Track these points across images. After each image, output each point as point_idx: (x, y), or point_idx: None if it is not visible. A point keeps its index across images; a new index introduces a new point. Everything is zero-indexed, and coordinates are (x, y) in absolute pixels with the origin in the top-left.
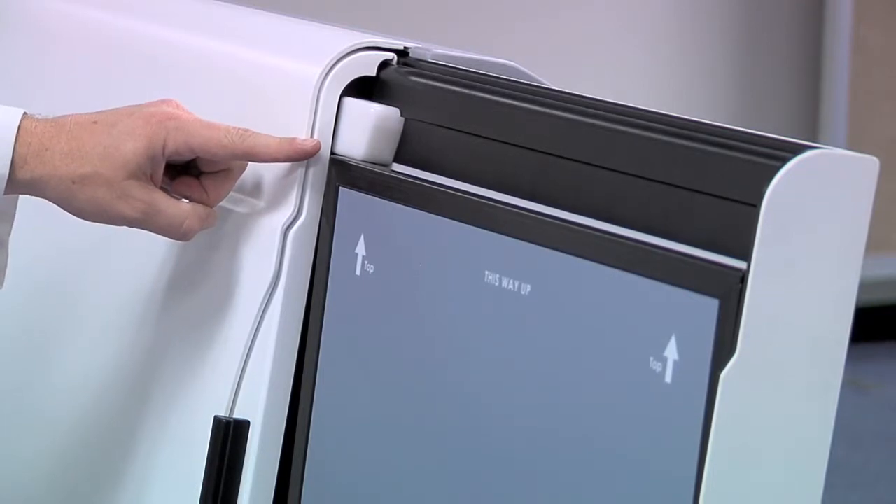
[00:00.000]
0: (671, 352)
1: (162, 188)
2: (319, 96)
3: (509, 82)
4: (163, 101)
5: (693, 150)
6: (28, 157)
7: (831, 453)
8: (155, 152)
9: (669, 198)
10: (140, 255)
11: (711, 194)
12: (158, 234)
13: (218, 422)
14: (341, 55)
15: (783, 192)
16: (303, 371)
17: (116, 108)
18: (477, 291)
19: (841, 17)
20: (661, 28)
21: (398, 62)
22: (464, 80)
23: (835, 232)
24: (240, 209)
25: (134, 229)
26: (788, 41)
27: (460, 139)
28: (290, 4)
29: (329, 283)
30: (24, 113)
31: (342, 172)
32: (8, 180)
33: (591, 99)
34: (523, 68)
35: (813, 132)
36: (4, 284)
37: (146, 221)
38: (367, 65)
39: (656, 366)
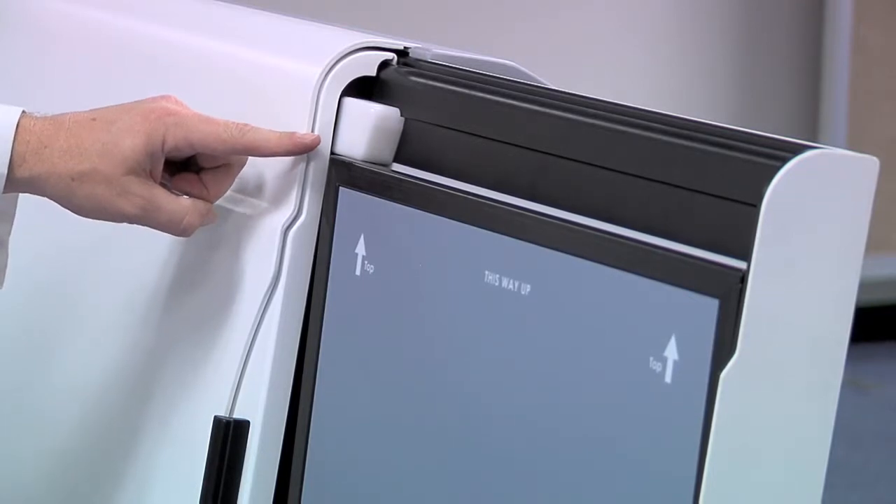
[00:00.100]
0: (671, 352)
1: (162, 185)
2: (319, 96)
3: (509, 82)
4: (161, 97)
5: (693, 150)
6: (27, 156)
7: (831, 453)
8: (154, 148)
9: (669, 198)
10: (140, 255)
11: (711, 194)
12: (158, 230)
13: (218, 422)
14: (341, 55)
15: (783, 192)
16: (303, 371)
17: (115, 105)
18: (477, 291)
19: (841, 17)
20: (661, 28)
21: (398, 62)
22: (464, 80)
23: (835, 232)
24: (240, 209)
25: (134, 229)
26: (788, 41)
27: (460, 139)
28: (290, 4)
29: (329, 283)
30: (23, 111)
31: (342, 172)
32: (7, 179)
33: (591, 99)
34: (523, 68)
35: (813, 132)
36: (4, 284)
37: (146, 218)
38: (367, 65)
39: (656, 366)
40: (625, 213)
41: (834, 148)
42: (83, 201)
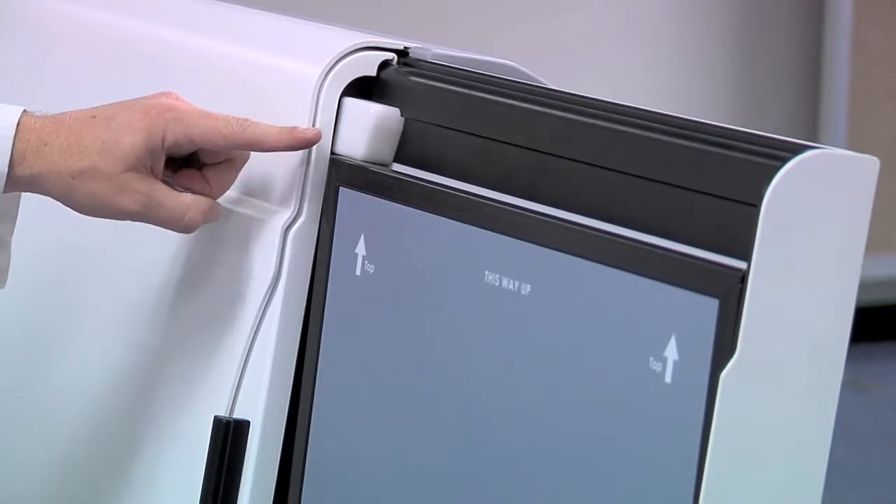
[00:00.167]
0: (671, 352)
1: (165, 181)
2: (319, 96)
3: (509, 82)
4: (162, 94)
5: (693, 150)
6: (27, 154)
7: (831, 453)
8: (154, 144)
9: (669, 198)
10: (140, 255)
11: (711, 194)
12: (161, 226)
13: (218, 422)
14: (341, 55)
15: (783, 192)
16: (303, 371)
17: (115, 102)
18: (477, 291)
19: (841, 17)
20: (661, 28)
21: (398, 62)
22: (464, 80)
23: (835, 232)
24: (240, 209)
25: (133, 229)
26: (788, 41)
27: (460, 139)
28: (290, 4)
29: (329, 283)
30: (24, 110)
31: (342, 172)
32: (7, 177)
33: (591, 99)
34: (523, 68)
35: (813, 132)
36: (6, 284)
37: (147, 214)
38: (367, 65)
39: (656, 366)
40: (625, 213)
41: (834, 148)
42: (84, 199)
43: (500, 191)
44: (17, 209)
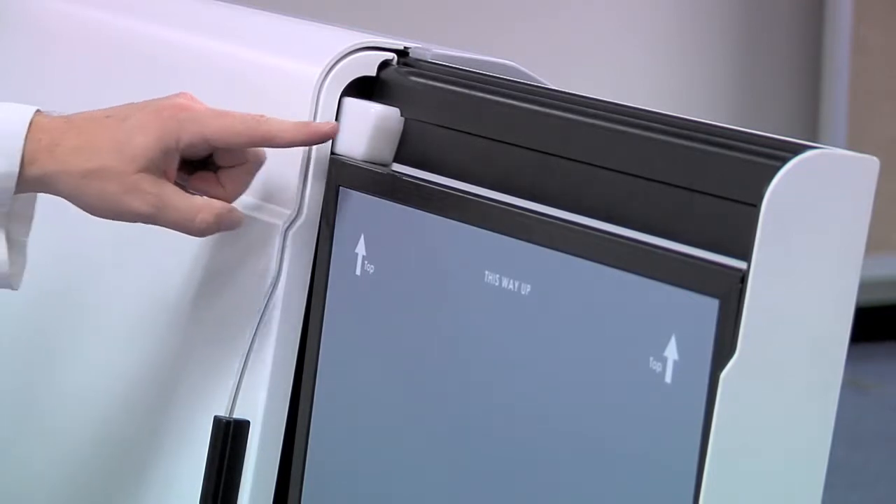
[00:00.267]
0: (671, 352)
1: (179, 184)
2: (319, 96)
3: (509, 82)
4: (176, 95)
5: (693, 150)
6: (38, 154)
7: (831, 453)
8: (167, 145)
9: (669, 198)
10: (140, 256)
11: (711, 194)
12: (172, 229)
13: (218, 422)
14: (341, 55)
15: (783, 192)
16: (303, 371)
17: (129, 104)
18: (477, 291)
19: (841, 17)
20: (661, 28)
21: (398, 62)
22: (464, 80)
23: (835, 232)
24: (240, 209)
25: (134, 232)
26: (788, 41)
27: (460, 139)
28: (290, 4)
29: (329, 283)
30: (37, 110)
31: (342, 172)
32: (18, 177)
33: (591, 99)
34: (523, 68)
35: (813, 132)
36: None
37: (157, 216)
38: (367, 65)
39: (656, 366)
40: (625, 213)
41: (834, 148)
42: (94, 199)
43: (500, 191)
44: (33, 210)
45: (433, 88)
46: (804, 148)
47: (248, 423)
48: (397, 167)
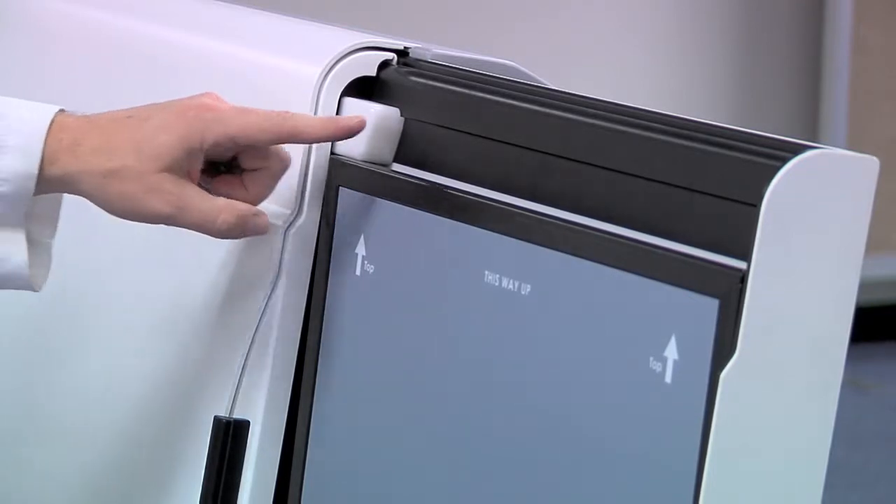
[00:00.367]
0: (671, 352)
1: (201, 187)
2: (319, 96)
3: (509, 82)
4: (201, 95)
5: (693, 150)
6: (59, 154)
7: (831, 453)
8: (191, 145)
9: (669, 198)
10: (139, 257)
11: (711, 194)
12: (193, 230)
13: (218, 422)
14: (341, 55)
15: (783, 192)
16: (303, 371)
17: (153, 103)
18: (477, 291)
19: (841, 17)
20: (661, 28)
21: (398, 62)
22: (464, 80)
23: (835, 232)
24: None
25: (134, 231)
26: (788, 41)
27: (460, 139)
28: (290, 4)
29: (329, 283)
30: (60, 110)
31: (342, 172)
32: (38, 177)
33: (591, 99)
34: (523, 68)
35: (813, 132)
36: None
37: (177, 217)
38: (367, 65)
39: (656, 366)
40: (625, 213)
41: (834, 148)
42: (114, 199)
43: (500, 191)
44: (58, 212)
45: (433, 88)
46: (804, 148)
47: (248, 423)
48: (397, 167)
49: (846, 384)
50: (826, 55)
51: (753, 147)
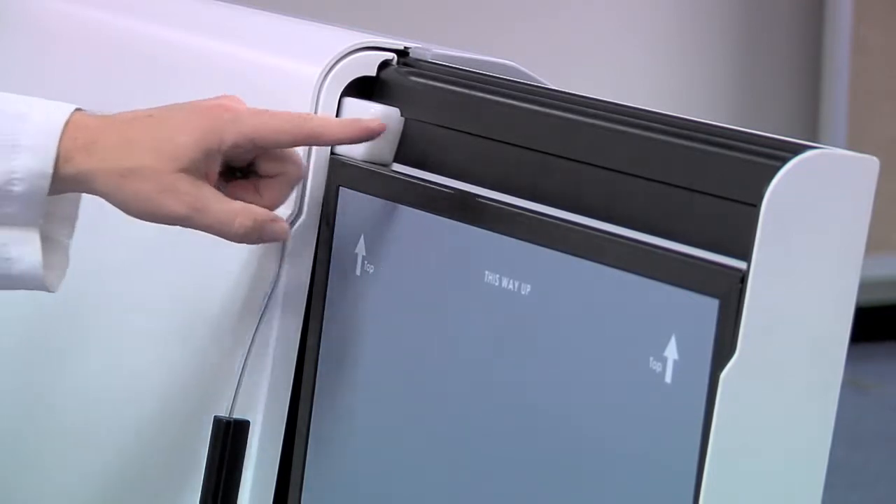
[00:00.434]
0: (671, 352)
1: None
2: (319, 96)
3: (509, 82)
4: (221, 96)
5: (693, 150)
6: (74, 152)
7: (831, 453)
8: (210, 146)
9: (669, 198)
10: (139, 257)
11: (711, 194)
12: (209, 232)
13: (218, 422)
14: (341, 55)
15: (783, 192)
16: (303, 371)
17: (173, 104)
18: (477, 291)
19: (841, 17)
20: (661, 28)
21: (398, 62)
22: (464, 80)
23: (835, 232)
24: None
25: (134, 231)
26: (788, 41)
27: (460, 139)
28: (290, 4)
29: (329, 283)
30: (77, 108)
31: (342, 172)
32: (53, 177)
33: (591, 99)
34: (523, 68)
35: (813, 132)
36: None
37: (193, 218)
38: (367, 65)
39: (656, 366)
40: (625, 213)
41: (834, 148)
42: (130, 198)
43: (500, 191)
44: (77, 212)
45: (433, 88)
46: (804, 148)
47: (248, 423)
48: (397, 167)
49: (846, 384)
50: (826, 55)
51: (753, 147)
